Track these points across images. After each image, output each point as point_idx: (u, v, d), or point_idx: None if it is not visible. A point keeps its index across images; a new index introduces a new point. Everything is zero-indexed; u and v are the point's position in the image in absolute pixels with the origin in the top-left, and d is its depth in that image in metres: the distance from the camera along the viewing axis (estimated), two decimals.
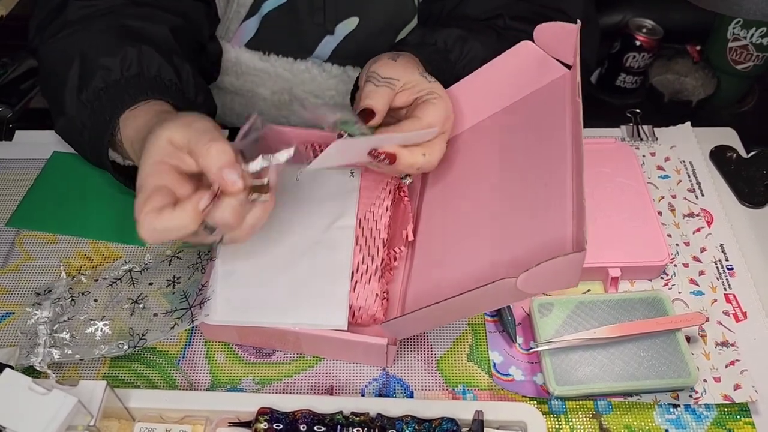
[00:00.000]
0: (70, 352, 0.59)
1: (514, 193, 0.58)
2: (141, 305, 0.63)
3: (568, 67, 0.60)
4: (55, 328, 0.61)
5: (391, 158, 0.56)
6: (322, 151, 0.69)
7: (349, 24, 0.76)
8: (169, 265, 0.65)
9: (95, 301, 0.64)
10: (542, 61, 0.61)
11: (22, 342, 0.61)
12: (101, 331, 0.61)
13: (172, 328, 0.60)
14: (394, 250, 0.64)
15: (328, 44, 0.78)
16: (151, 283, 0.64)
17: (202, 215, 0.48)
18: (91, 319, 0.62)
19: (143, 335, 0.60)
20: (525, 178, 0.58)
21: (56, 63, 0.64)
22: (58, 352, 0.58)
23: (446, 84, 0.62)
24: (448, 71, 0.65)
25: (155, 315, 0.62)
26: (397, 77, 0.58)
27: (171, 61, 0.63)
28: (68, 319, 0.62)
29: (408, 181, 0.64)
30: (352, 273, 0.60)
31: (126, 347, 0.59)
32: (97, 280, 0.65)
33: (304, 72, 0.81)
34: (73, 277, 0.65)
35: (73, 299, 0.63)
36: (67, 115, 0.62)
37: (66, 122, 0.63)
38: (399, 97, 0.59)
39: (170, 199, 0.48)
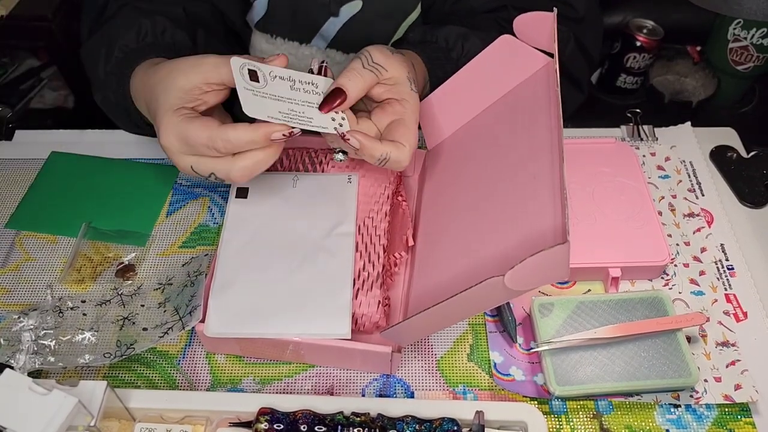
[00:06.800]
0: (52, 359, 0.58)
1: (507, 188, 0.57)
2: (131, 321, 0.62)
3: (551, 55, 0.60)
4: (41, 334, 0.60)
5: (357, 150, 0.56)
6: (317, 157, 0.69)
7: (353, 6, 0.76)
8: (162, 292, 0.64)
9: (84, 315, 0.63)
10: (524, 53, 0.62)
11: (4, 348, 0.59)
12: (88, 340, 0.61)
13: (161, 337, 0.59)
14: (395, 256, 0.64)
15: (332, 26, 0.78)
16: (142, 305, 0.64)
17: (268, 141, 0.53)
18: (80, 329, 0.61)
19: (131, 345, 0.59)
20: (516, 172, 0.58)
21: (91, 54, 0.69)
22: (40, 360, 0.57)
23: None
24: (450, 69, 0.66)
25: (145, 329, 0.61)
26: (387, 68, 0.57)
27: (186, 29, 0.68)
28: (55, 327, 0.61)
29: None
30: (354, 280, 0.59)
31: (113, 357, 0.58)
32: (84, 302, 0.64)
33: (308, 57, 0.81)
34: (60, 298, 0.64)
35: (61, 311, 0.63)
36: (102, 92, 0.68)
37: (102, 98, 0.68)
38: (376, 89, 0.58)
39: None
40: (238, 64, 0.53)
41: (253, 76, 0.53)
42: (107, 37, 0.67)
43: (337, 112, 0.55)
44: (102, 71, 0.67)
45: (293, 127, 0.53)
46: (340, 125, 0.55)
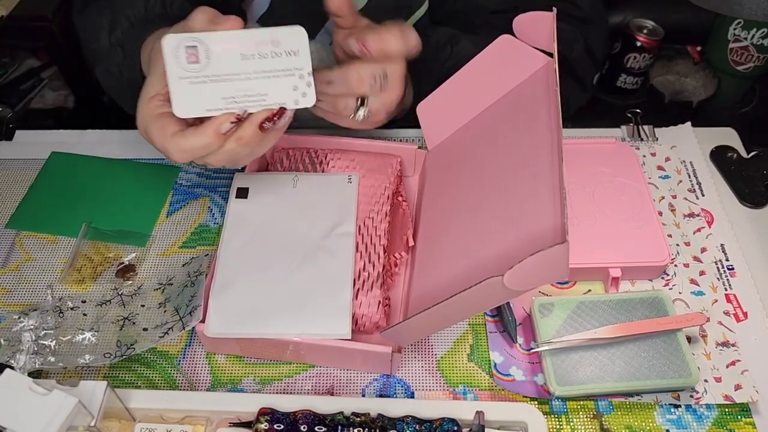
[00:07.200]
0: (53, 359, 0.58)
1: (507, 189, 0.57)
2: (131, 321, 0.62)
3: (551, 55, 0.61)
4: (41, 335, 0.60)
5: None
6: (318, 157, 0.69)
7: (359, 1, 0.76)
8: (162, 292, 0.64)
9: (84, 315, 0.63)
10: (524, 53, 0.62)
11: (4, 348, 0.59)
12: (88, 340, 0.61)
13: (161, 337, 0.59)
14: (395, 256, 0.64)
15: None
16: (143, 305, 0.64)
17: (225, 136, 0.49)
18: (80, 329, 0.61)
19: (131, 345, 0.59)
20: (515, 172, 0.58)
21: (90, 24, 0.67)
22: (40, 360, 0.57)
23: (438, 82, 0.63)
24: (436, 69, 0.66)
25: (145, 329, 0.61)
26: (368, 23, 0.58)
27: (193, 3, 0.66)
28: (55, 327, 0.61)
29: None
30: (354, 281, 0.59)
31: (113, 357, 0.58)
32: (84, 302, 0.64)
33: (312, 53, 0.81)
34: (60, 298, 0.64)
35: (61, 311, 0.63)
36: (104, 64, 0.65)
37: (105, 71, 0.66)
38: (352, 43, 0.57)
39: (183, 125, 0.50)
40: (171, 44, 0.45)
41: (193, 55, 0.46)
42: (109, 7, 0.65)
43: (301, 77, 0.49)
44: (106, 41, 0.64)
45: (240, 112, 0.48)
46: (304, 95, 0.49)
